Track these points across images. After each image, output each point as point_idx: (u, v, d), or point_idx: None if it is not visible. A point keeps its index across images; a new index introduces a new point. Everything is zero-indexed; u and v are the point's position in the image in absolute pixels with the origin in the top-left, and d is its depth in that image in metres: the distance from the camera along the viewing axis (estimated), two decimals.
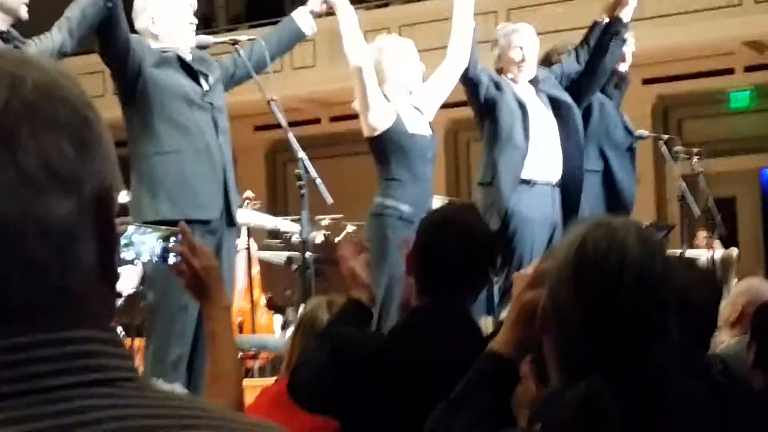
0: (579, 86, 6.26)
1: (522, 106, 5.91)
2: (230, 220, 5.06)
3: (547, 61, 6.45)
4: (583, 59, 6.24)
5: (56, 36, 4.65)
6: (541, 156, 5.90)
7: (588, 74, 6.25)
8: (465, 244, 2.94)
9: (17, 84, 0.93)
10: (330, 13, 5.56)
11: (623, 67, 6.64)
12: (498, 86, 5.91)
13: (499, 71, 6.09)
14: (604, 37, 6.25)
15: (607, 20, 6.30)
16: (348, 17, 5.48)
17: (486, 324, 5.58)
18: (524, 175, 5.87)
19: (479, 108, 5.97)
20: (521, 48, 6.05)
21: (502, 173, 5.81)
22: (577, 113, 6.10)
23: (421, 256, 3.00)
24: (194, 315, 4.85)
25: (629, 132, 6.54)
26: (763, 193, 14.60)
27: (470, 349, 2.55)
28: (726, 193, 13.28)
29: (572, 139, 6.04)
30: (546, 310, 2.00)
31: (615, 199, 6.31)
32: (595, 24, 6.36)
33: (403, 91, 5.63)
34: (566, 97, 6.10)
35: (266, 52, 5.26)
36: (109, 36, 4.78)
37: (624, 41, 6.36)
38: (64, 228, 0.93)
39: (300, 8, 5.50)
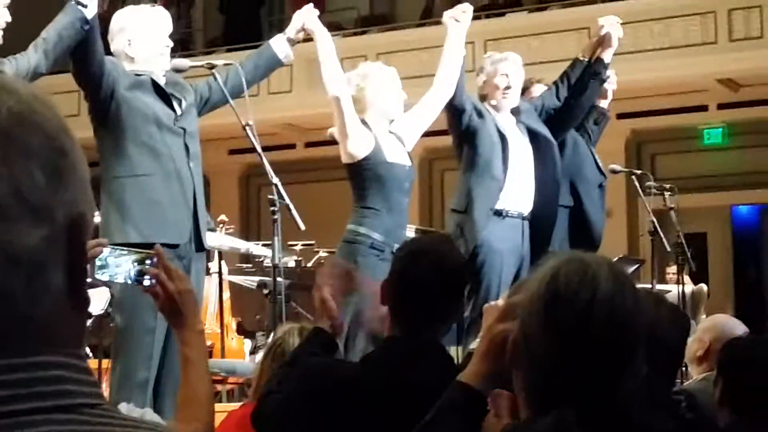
0: (556, 121, 6.29)
1: (502, 137, 5.94)
2: (199, 245, 5.05)
3: (523, 92, 6.50)
4: (561, 95, 6.28)
5: (32, 56, 4.64)
6: (515, 187, 5.93)
7: (565, 111, 6.31)
8: (439, 275, 2.95)
9: None
10: (308, 39, 5.57)
11: (603, 104, 6.73)
12: (480, 114, 5.94)
13: (482, 98, 6.12)
14: (583, 77, 6.31)
15: (587, 59, 6.37)
16: (326, 45, 5.48)
17: (455, 354, 5.59)
18: (497, 206, 5.89)
19: (459, 135, 5.99)
20: (507, 75, 6.09)
21: (477, 203, 5.83)
22: (555, 148, 6.14)
23: (396, 286, 3.00)
24: (161, 338, 4.83)
25: (600, 170, 6.60)
26: (734, 230, 14.69)
27: (445, 378, 2.56)
28: (697, 228, 13.35)
29: (549, 173, 6.07)
30: (516, 343, 2.01)
31: (584, 233, 6.34)
32: (576, 61, 6.42)
33: (385, 119, 5.63)
34: (545, 131, 6.14)
35: (242, 78, 5.27)
36: (84, 58, 4.77)
37: (603, 81, 6.44)
38: (34, 257, 0.92)
39: (278, 36, 5.51)
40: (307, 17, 5.46)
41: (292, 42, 5.48)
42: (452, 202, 6.10)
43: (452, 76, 5.81)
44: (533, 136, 6.10)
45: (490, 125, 5.93)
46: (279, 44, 5.45)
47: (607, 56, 6.39)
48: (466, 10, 5.94)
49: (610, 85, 6.65)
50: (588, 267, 1.95)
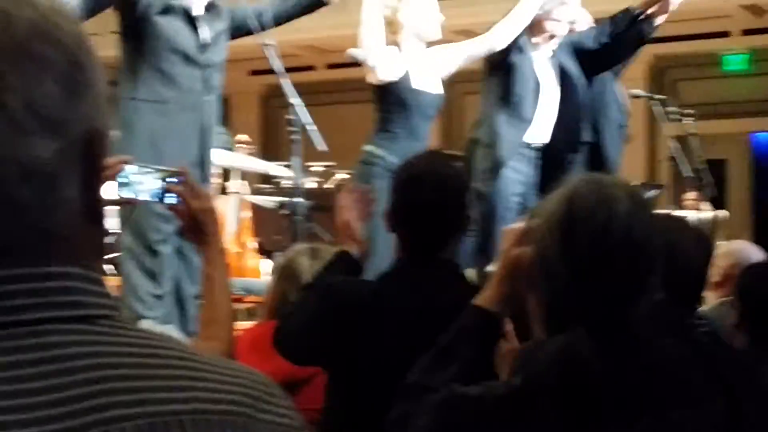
0: (589, 63, 6.18)
1: (536, 80, 5.84)
2: (204, 179, 5.05)
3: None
4: (601, 39, 6.12)
5: None
6: (537, 123, 5.88)
7: (600, 57, 6.16)
8: (443, 198, 2.94)
9: (11, 22, 0.92)
10: None
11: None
12: (521, 49, 5.80)
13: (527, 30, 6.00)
14: (627, 31, 6.16)
15: (638, 13, 6.19)
16: None
17: (470, 276, 5.62)
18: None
19: (494, 66, 5.84)
20: (559, 22, 5.92)
21: (505, 141, 5.74)
22: (581, 87, 6.04)
23: (400, 213, 3.00)
24: (168, 257, 4.87)
25: (621, 110, 6.50)
26: (753, 157, 14.62)
27: (460, 296, 2.58)
28: (717, 155, 13.29)
29: (571, 111, 5.99)
30: (533, 264, 2.02)
31: (600, 171, 6.30)
32: (626, 12, 6.22)
33: (419, 42, 5.56)
34: (575, 70, 6.03)
35: (274, 15, 5.22)
36: None
37: (644, 42, 6.29)
38: (47, 168, 0.93)
39: None
40: None
41: None
42: (478, 131, 5.97)
43: (515, 33, 5.70)
44: (562, 72, 6.01)
45: (528, 64, 5.81)
46: None
47: (658, 20, 6.23)
48: None
49: None
50: (605, 188, 1.96)
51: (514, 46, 5.76)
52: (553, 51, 5.99)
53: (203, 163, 5.03)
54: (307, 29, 14.35)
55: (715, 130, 12.52)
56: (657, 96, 8.16)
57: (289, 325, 3.07)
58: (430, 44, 5.65)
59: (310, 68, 15.66)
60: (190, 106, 4.95)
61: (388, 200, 3.05)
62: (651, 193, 8.09)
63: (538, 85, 5.82)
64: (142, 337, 0.97)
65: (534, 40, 5.91)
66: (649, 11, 6.21)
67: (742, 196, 14.17)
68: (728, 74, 14.29)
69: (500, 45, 5.68)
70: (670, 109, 7.88)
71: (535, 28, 5.90)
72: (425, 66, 5.56)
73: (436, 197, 2.93)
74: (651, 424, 1.90)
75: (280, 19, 5.28)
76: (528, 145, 5.85)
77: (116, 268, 7.17)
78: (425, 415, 2.08)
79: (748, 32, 13.90)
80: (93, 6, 4.69)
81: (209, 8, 5.06)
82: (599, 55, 6.18)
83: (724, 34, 14.06)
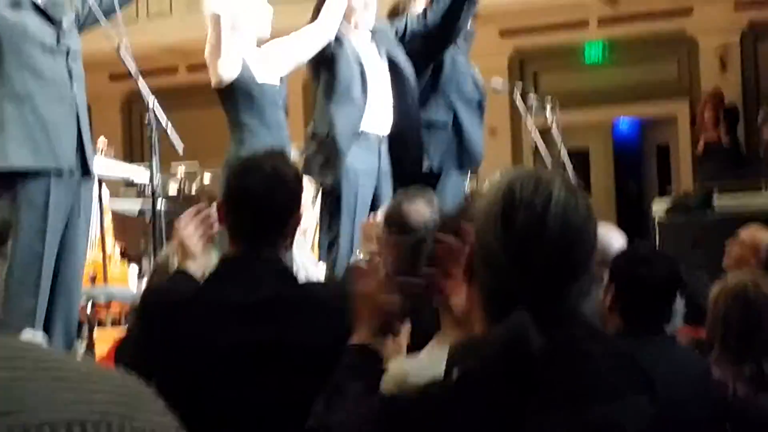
0: (429, 44, 6.23)
1: (359, 61, 5.87)
2: (86, 170, 4.95)
3: (394, 12, 6.41)
4: (430, 19, 6.17)
5: None
6: (373, 108, 5.87)
7: (440, 33, 6.21)
8: (273, 188, 2.94)
9: None
10: None
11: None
12: (338, 38, 5.84)
13: None
14: (456, 2, 6.19)
15: None
16: None
17: (322, 268, 5.63)
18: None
19: (317, 60, 5.87)
20: (354, 10, 5.95)
21: (339, 128, 5.75)
22: (411, 73, 6.05)
23: (230, 203, 2.99)
24: (50, 264, 4.76)
25: (478, 87, 6.55)
26: (615, 145, 14.92)
27: (284, 292, 2.56)
28: (580, 144, 13.54)
29: (405, 98, 6.01)
30: (472, 254, 2.03)
31: (464, 151, 6.35)
32: None
33: (253, 37, 5.57)
34: (401, 57, 6.06)
35: None
36: None
37: (475, 4, 6.31)
38: None
39: None
40: None
41: None
42: (312, 126, 5.98)
43: (339, 17, 5.73)
44: (389, 61, 6.03)
45: (348, 50, 5.84)
46: None
47: None
48: None
49: None
50: (541, 175, 2.02)
51: (332, 39, 5.83)
52: (372, 38, 6.00)
53: (84, 152, 4.91)
54: (167, 32, 14.25)
55: (577, 120, 12.74)
56: (517, 87, 8.24)
57: (122, 348, 3.07)
58: (260, 42, 5.67)
59: (171, 71, 15.51)
60: (59, 96, 4.84)
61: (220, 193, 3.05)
62: None
63: (363, 71, 5.84)
64: (6, 347, 0.92)
65: (350, 22, 5.95)
66: None
67: (605, 182, 14.46)
68: (588, 65, 14.56)
69: (332, 34, 5.72)
70: (531, 99, 7.97)
71: (346, 11, 5.95)
72: (262, 61, 5.54)
73: (262, 187, 2.92)
74: (596, 411, 1.92)
75: (123, 4, 5.19)
76: (368, 134, 5.85)
77: None
78: (367, 428, 2.10)
79: (603, 22, 14.19)
80: None
81: (47, 2, 4.95)
82: (439, 33, 6.21)
83: (582, 25, 14.33)
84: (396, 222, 3.66)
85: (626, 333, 3.44)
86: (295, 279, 3.03)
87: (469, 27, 6.60)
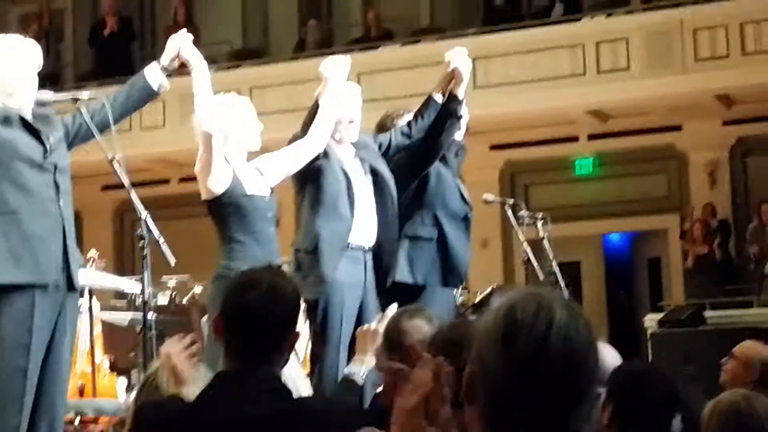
0: (416, 159, 6.24)
1: (346, 175, 5.86)
2: (70, 284, 4.92)
3: (382, 126, 6.43)
4: (414, 133, 6.19)
5: None
6: (359, 221, 5.85)
7: (425, 149, 6.21)
8: (270, 304, 2.92)
9: None
10: (181, 71, 5.47)
11: (460, 136, 6.54)
12: (324, 151, 5.81)
13: None
14: (440, 116, 6.20)
15: (440, 97, 6.26)
16: (203, 78, 5.37)
17: (308, 384, 5.58)
18: None
19: (303, 174, 5.84)
20: (340, 124, 5.91)
21: (326, 243, 5.69)
22: (392, 186, 6.03)
23: (227, 318, 2.96)
24: (34, 380, 4.71)
25: (465, 201, 6.53)
26: (606, 258, 14.95)
27: (280, 409, 2.52)
28: (571, 257, 13.56)
29: (388, 210, 5.99)
30: (472, 376, 2.01)
31: (449, 267, 6.31)
32: (429, 100, 6.26)
33: (243, 150, 5.58)
34: (384, 169, 6.03)
35: (109, 112, 5.13)
36: None
37: (460, 117, 6.33)
38: None
39: (152, 64, 5.35)
40: (182, 44, 5.33)
41: (167, 71, 5.32)
42: (297, 241, 5.89)
43: (329, 132, 5.76)
44: (372, 173, 6.02)
45: (334, 162, 5.82)
46: (153, 73, 5.28)
47: (460, 92, 6.27)
48: (346, 63, 5.81)
49: (465, 117, 6.47)
50: (542, 297, 1.99)
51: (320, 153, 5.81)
52: (355, 152, 6.01)
53: (68, 269, 4.88)
54: (160, 143, 14.35)
55: (568, 233, 12.77)
56: (509, 200, 8.28)
57: None
58: (249, 155, 5.67)
59: (164, 182, 15.58)
60: (45, 211, 4.82)
61: (218, 309, 3.02)
62: None
63: (349, 183, 5.83)
64: None
65: (335, 136, 5.92)
66: (448, 89, 6.28)
67: (597, 296, 14.45)
68: (578, 178, 14.65)
69: (321, 147, 5.73)
70: (522, 213, 8.00)
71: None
72: (252, 173, 5.56)
73: (260, 304, 2.90)
74: None
75: (117, 116, 5.18)
76: (354, 247, 5.82)
77: None
78: None
79: (593, 137, 14.31)
80: None
81: (37, 119, 4.96)
82: (424, 147, 6.22)
83: (573, 139, 14.45)
84: (396, 339, 3.63)
85: None
86: (290, 395, 2.99)
87: (461, 142, 6.63)
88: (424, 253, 6.23)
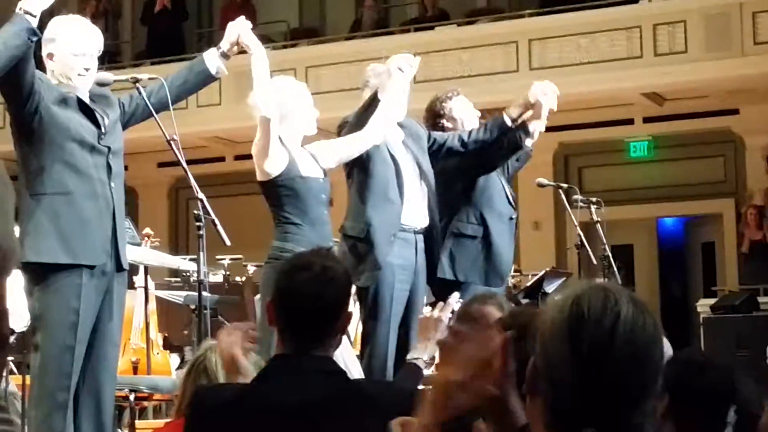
0: (466, 166, 6.22)
1: (394, 159, 5.85)
2: (119, 265, 4.97)
3: (431, 109, 6.39)
4: (471, 143, 6.12)
5: None
6: (409, 204, 5.84)
7: (478, 162, 6.21)
8: (323, 287, 2.93)
9: None
10: (240, 51, 5.50)
11: (529, 144, 6.47)
12: None
13: None
14: (502, 139, 6.14)
15: (510, 119, 6.17)
16: (261, 63, 5.39)
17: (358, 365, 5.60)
18: None
19: (354, 159, 5.82)
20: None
21: (378, 231, 5.70)
22: (432, 181, 5.98)
23: (280, 303, 2.98)
24: (81, 355, 4.76)
25: (511, 203, 6.47)
26: (659, 243, 14.86)
27: (335, 392, 2.53)
28: (624, 241, 13.51)
29: (429, 200, 5.97)
30: (535, 368, 2.01)
31: (491, 264, 6.28)
32: (501, 118, 6.19)
33: (299, 134, 5.60)
34: (427, 167, 5.99)
35: (167, 93, 5.17)
36: (18, 69, 4.67)
37: (520, 148, 6.26)
38: None
39: (211, 49, 5.39)
40: (241, 30, 5.37)
41: (226, 56, 5.36)
42: (345, 226, 5.87)
43: (386, 126, 5.75)
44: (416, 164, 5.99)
45: (382, 147, 5.81)
46: (212, 58, 5.33)
47: (531, 126, 6.19)
48: (413, 64, 5.71)
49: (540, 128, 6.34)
50: (609, 291, 1.98)
51: None
52: (403, 137, 5.98)
53: (117, 251, 4.94)
54: (215, 121, 14.42)
55: (621, 216, 12.71)
56: (563, 184, 8.26)
57: None
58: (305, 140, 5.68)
59: (219, 159, 15.66)
60: (95, 193, 4.87)
61: (270, 293, 3.04)
62: (560, 281, 8.16)
63: (397, 167, 5.82)
64: None
65: None
66: (522, 118, 6.21)
67: (649, 281, 14.37)
68: (632, 161, 14.56)
69: (378, 142, 5.72)
70: (576, 197, 7.97)
71: None
72: (307, 156, 5.59)
73: (312, 287, 2.92)
74: None
75: (174, 97, 5.23)
76: (405, 229, 5.81)
77: (17, 368, 7.05)
78: None
79: (649, 120, 14.21)
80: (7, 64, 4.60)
81: (95, 98, 5.02)
82: (472, 160, 6.19)
83: (627, 122, 14.35)
84: (468, 324, 3.63)
85: None
86: (346, 377, 3.01)
87: (529, 149, 6.55)
88: (467, 250, 6.23)
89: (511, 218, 6.42)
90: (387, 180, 5.78)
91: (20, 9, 4.62)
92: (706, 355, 3.97)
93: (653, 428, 2.04)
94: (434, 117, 6.39)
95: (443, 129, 6.32)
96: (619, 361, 1.92)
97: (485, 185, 6.33)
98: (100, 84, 5.10)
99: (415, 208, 5.87)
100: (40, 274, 4.75)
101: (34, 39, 4.61)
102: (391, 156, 5.84)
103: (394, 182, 5.79)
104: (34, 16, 4.59)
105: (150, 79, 5.31)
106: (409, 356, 4.18)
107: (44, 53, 4.98)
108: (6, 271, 0.96)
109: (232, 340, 3.30)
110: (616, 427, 1.93)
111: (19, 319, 5.93)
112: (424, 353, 4.08)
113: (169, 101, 5.17)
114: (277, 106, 5.38)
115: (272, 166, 5.43)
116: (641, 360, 1.95)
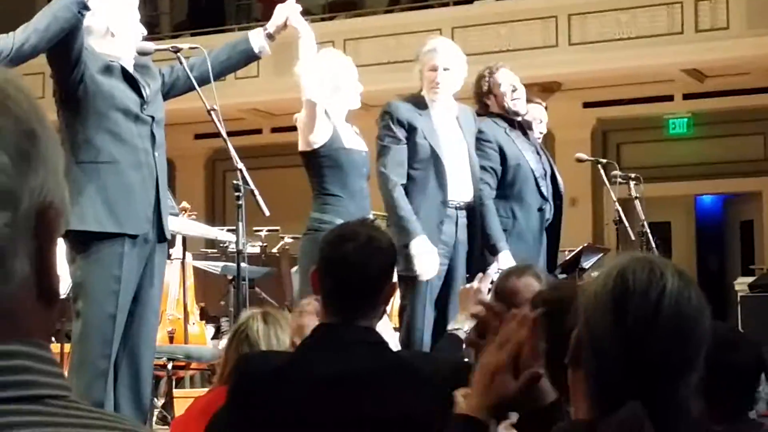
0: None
1: (434, 151, 5.80)
2: (161, 235, 5.00)
3: (478, 86, 6.33)
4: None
5: (18, 35, 4.57)
6: (453, 180, 5.81)
7: None
8: (368, 257, 2.93)
9: None
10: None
11: (542, 128, 6.56)
12: (411, 126, 5.76)
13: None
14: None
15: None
16: (310, 46, 5.39)
17: (395, 337, 5.60)
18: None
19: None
20: (436, 68, 5.83)
21: (422, 207, 5.67)
22: (476, 157, 5.99)
23: (325, 272, 2.98)
24: (122, 324, 4.79)
25: (541, 194, 6.39)
26: (697, 220, 14.78)
27: (378, 363, 2.53)
28: (661, 218, 13.44)
29: (473, 175, 5.95)
30: (579, 341, 2.01)
31: (519, 257, 6.20)
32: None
33: (343, 107, 5.61)
34: (473, 142, 5.97)
35: (209, 67, 5.18)
36: (69, 41, 4.68)
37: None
38: None
39: (257, 29, 5.38)
40: (291, 13, 5.36)
41: (271, 37, 5.36)
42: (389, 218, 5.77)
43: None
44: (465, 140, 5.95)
45: (419, 133, 5.76)
46: (257, 38, 5.32)
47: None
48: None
49: (544, 117, 6.55)
50: (654, 264, 1.98)
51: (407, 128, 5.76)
52: (456, 113, 5.95)
53: (160, 220, 4.97)
54: (253, 93, 14.45)
55: (659, 193, 12.64)
56: (601, 160, 8.23)
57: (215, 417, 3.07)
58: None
59: (256, 131, 15.70)
60: (139, 162, 4.89)
61: (315, 262, 3.04)
62: (597, 257, 8.13)
63: (435, 154, 5.74)
64: (96, 417, 0.94)
65: (429, 96, 5.86)
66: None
67: (687, 258, 14.30)
68: (671, 137, 14.48)
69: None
70: (615, 172, 7.94)
71: (423, 84, 5.87)
72: (349, 129, 5.61)
73: (358, 256, 2.91)
74: None
75: (216, 73, 5.24)
76: (448, 203, 5.79)
77: (55, 336, 7.11)
78: None
79: (689, 96, 14.12)
80: (47, 41, 4.62)
81: (137, 68, 5.03)
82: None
83: (667, 98, 14.26)
84: (505, 297, 3.63)
85: (710, 417, 3.39)
86: (388, 348, 3.01)
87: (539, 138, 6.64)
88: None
89: (540, 209, 6.31)
90: (425, 170, 5.72)
91: None
92: (735, 331, 3.94)
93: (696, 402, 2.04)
94: (479, 95, 6.34)
95: (487, 107, 6.28)
96: (664, 334, 1.91)
97: (514, 179, 6.24)
98: (142, 53, 5.11)
99: (459, 183, 5.84)
100: (83, 242, 4.78)
101: (85, 12, 4.62)
102: (431, 146, 5.77)
103: (432, 171, 5.74)
104: None
105: (191, 48, 5.31)
106: (449, 327, 4.18)
107: (95, 23, 5.00)
108: (58, 232, 0.96)
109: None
110: (660, 399, 1.93)
111: (62, 283, 5.97)
112: (465, 324, 4.08)
113: (211, 76, 5.17)
114: (330, 79, 5.40)
115: (316, 137, 5.44)
116: (686, 333, 1.94)
